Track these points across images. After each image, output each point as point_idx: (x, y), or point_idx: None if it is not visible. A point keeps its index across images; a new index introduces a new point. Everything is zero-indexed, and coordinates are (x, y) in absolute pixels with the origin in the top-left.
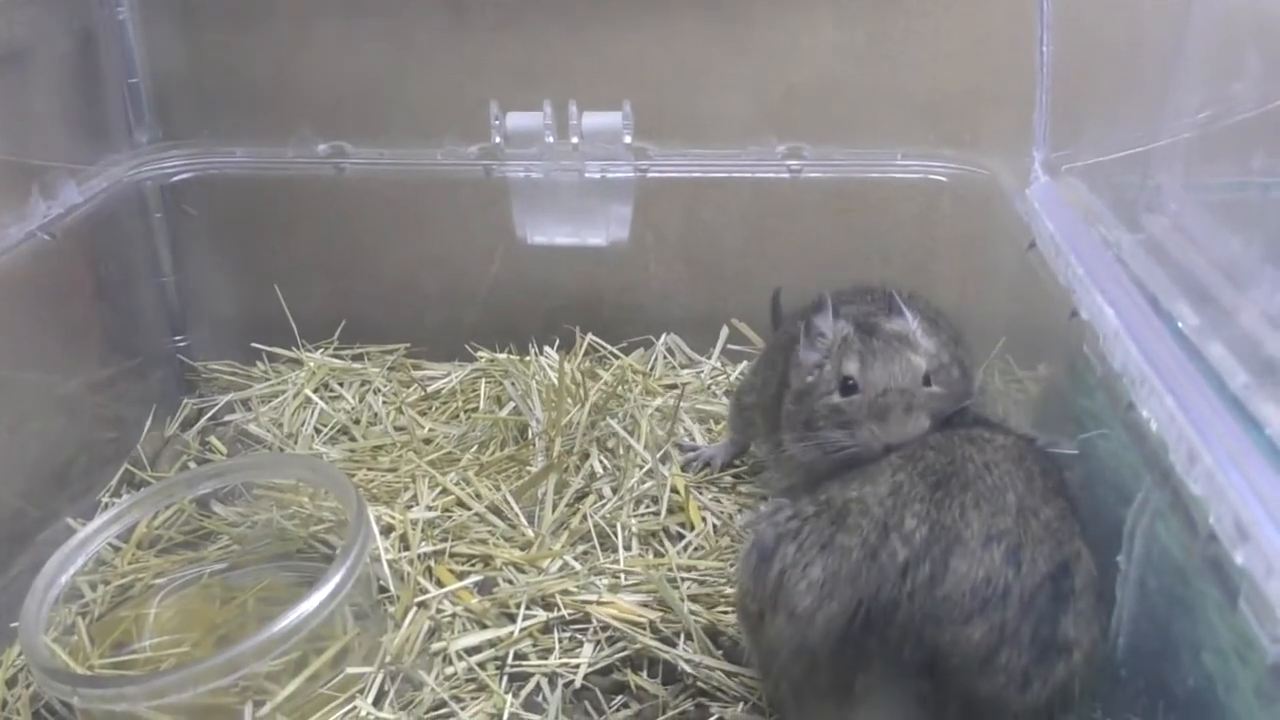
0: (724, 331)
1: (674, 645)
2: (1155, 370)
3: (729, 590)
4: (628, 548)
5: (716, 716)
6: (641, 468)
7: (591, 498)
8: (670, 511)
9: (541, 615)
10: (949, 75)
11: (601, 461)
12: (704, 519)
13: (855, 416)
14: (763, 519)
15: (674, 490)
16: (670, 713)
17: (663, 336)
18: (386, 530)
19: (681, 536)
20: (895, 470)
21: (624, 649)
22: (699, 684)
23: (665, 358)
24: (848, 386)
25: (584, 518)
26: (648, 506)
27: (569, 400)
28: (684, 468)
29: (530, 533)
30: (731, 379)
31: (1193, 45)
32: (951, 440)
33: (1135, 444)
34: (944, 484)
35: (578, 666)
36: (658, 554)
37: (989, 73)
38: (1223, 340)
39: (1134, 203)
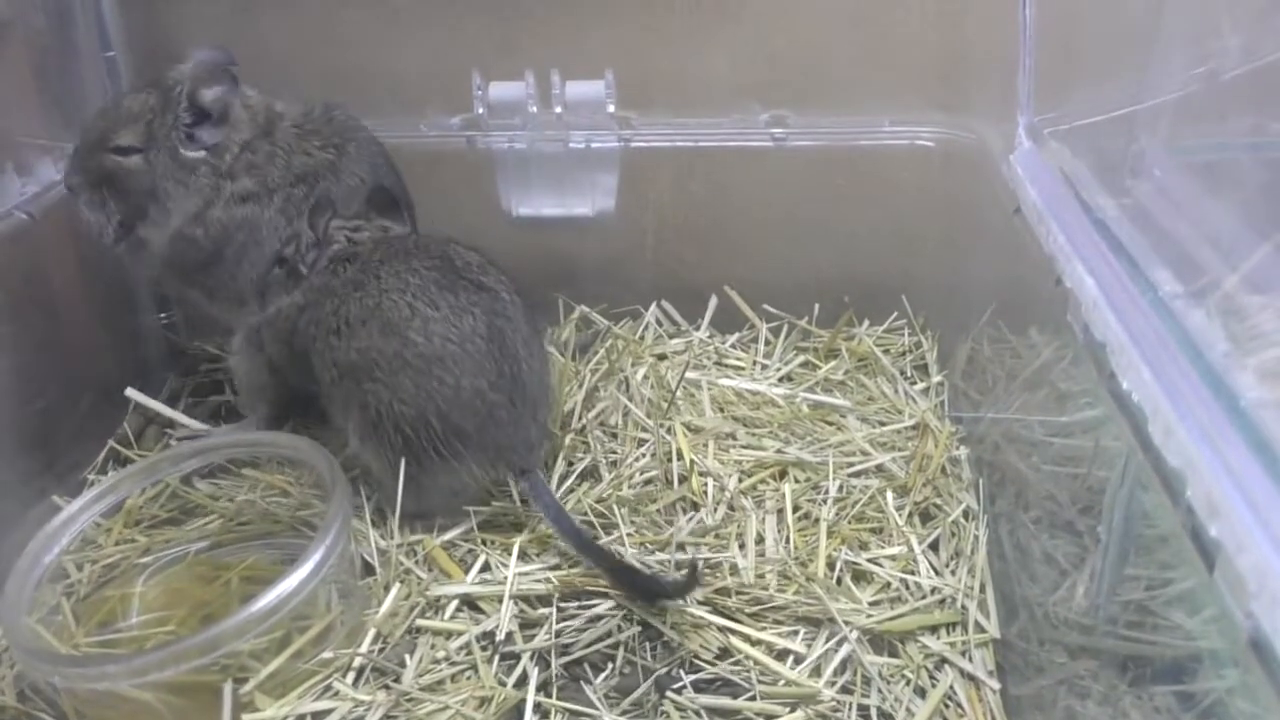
0: (713, 301)
1: (663, 622)
2: (1134, 340)
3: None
4: (621, 524)
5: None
6: (640, 445)
7: (581, 469)
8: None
9: (528, 591)
10: (936, 39)
11: (598, 437)
12: (704, 488)
13: None
14: None
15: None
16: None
17: (651, 306)
18: (377, 509)
19: (671, 519)
20: None
21: (609, 627)
22: (685, 657)
23: (654, 327)
24: None
25: (569, 491)
26: (641, 483)
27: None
28: None
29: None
30: (724, 347)
31: (1175, 5)
32: None
33: (1117, 414)
34: None
35: (567, 646)
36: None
37: (977, 35)
38: (1204, 307)
39: (1118, 167)
